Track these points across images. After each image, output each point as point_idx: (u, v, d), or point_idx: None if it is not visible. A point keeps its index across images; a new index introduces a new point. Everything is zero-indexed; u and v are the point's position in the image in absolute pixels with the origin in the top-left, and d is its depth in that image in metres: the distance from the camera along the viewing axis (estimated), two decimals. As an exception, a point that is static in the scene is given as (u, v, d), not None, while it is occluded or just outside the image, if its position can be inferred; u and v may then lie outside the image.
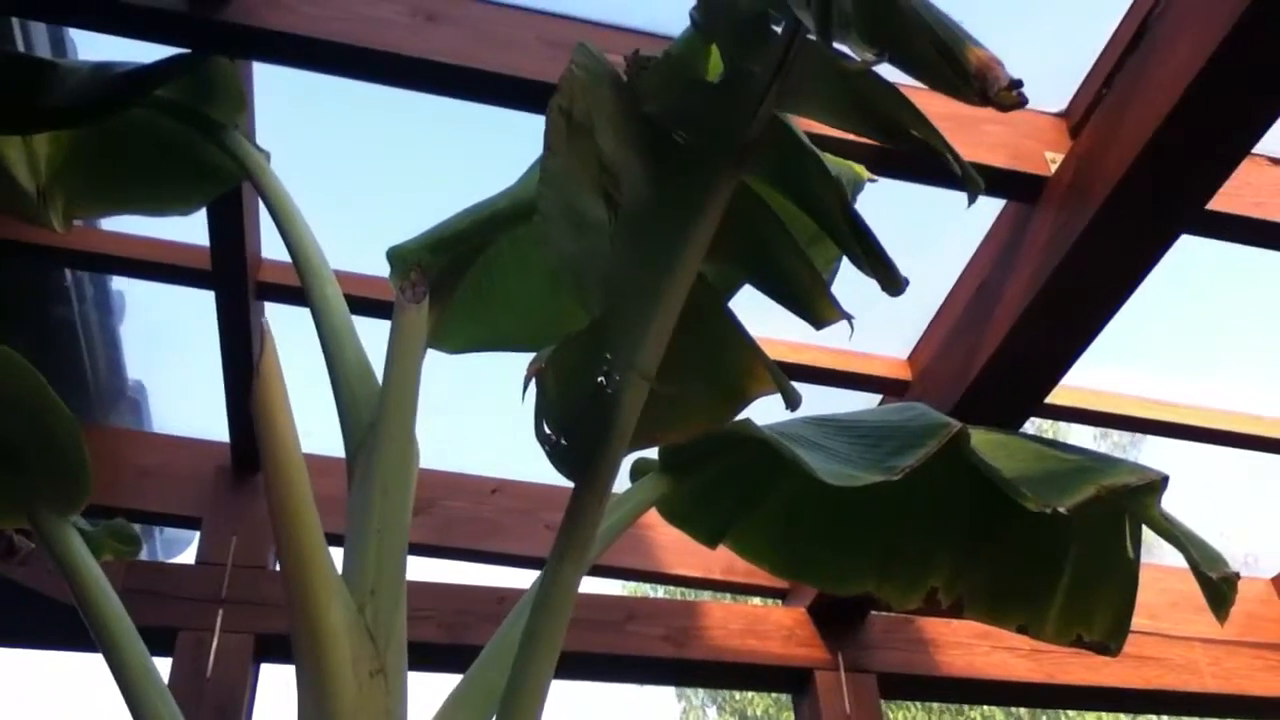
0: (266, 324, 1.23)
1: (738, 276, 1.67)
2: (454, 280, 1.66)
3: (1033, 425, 7.81)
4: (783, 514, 2.03)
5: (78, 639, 2.70)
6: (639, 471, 1.69)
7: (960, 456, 1.47)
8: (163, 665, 2.65)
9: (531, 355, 1.16)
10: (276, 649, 2.61)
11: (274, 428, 1.15)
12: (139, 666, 1.42)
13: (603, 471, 1.22)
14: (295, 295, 2.41)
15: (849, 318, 1.40)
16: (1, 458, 1.51)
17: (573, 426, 1.20)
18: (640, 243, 1.22)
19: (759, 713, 9.97)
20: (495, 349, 1.91)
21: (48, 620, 2.54)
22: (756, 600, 3.27)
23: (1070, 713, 9.06)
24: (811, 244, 1.63)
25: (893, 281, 1.35)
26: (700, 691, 10.78)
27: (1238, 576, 1.48)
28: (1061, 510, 1.38)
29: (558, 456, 1.21)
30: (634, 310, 1.20)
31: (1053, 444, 1.75)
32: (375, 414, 1.37)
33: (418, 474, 1.49)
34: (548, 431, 1.20)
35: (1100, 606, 1.86)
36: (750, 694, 10.03)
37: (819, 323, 1.43)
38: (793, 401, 1.37)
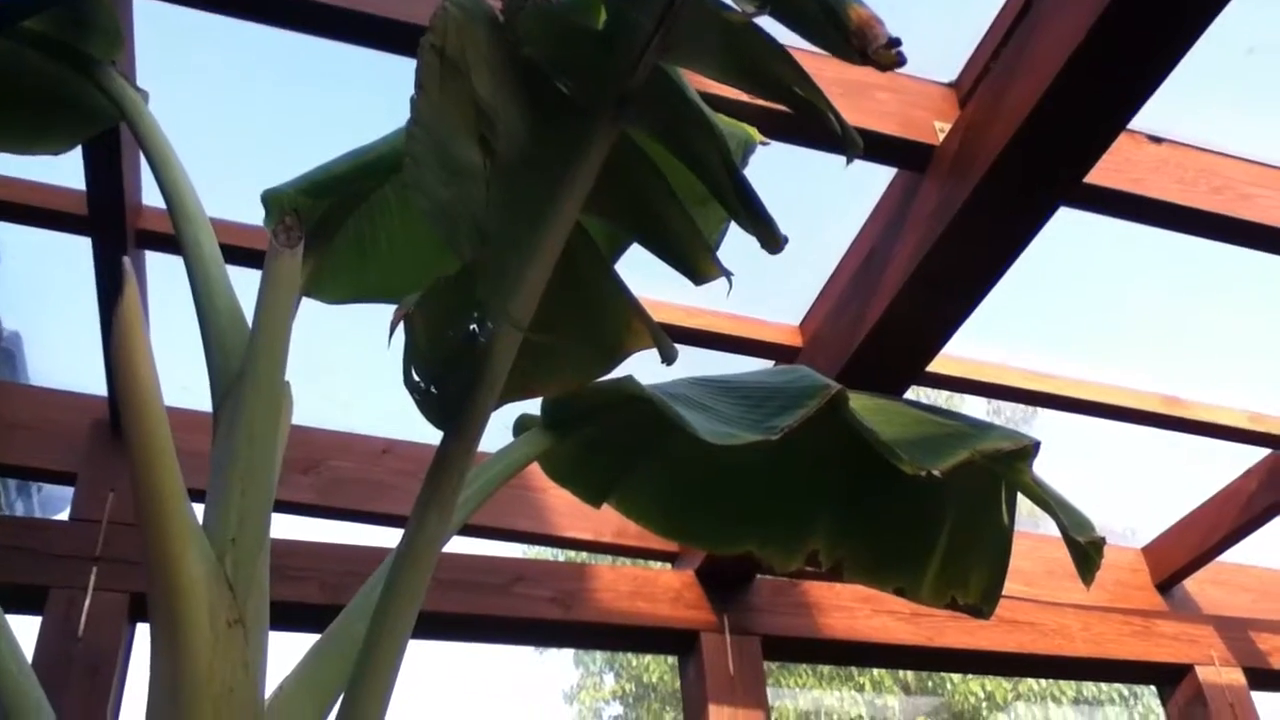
0: (127, 264, 1.18)
1: (623, 233, 1.67)
2: (332, 227, 1.63)
3: (929, 397, 7.99)
4: (666, 474, 2.04)
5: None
6: (522, 427, 1.68)
7: (839, 419, 1.49)
8: (32, 624, 2.57)
9: (415, 308, 1.14)
10: (152, 608, 2.55)
11: (133, 371, 1.11)
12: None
13: (472, 422, 1.20)
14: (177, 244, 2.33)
15: (728, 274, 1.41)
16: None
17: (442, 375, 1.19)
18: (516, 190, 1.20)
19: (655, 679, 10.08)
20: (378, 300, 1.88)
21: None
22: (649, 564, 3.30)
23: (954, 676, 9.35)
24: (702, 204, 1.63)
25: (772, 239, 1.35)
26: (598, 658, 10.85)
27: (1104, 542, 1.52)
28: (935, 473, 1.41)
29: (426, 405, 1.20)
30: (508, 258, 1.19)
31: (932, 409, 1.78)
32: (243, 362, 1.33)
33: (290, 428, 1.46)
34: (416, 379, 1.18)
35: (975, 571, 1.90)
36: (646, 660, 10.13)
37: (699, 278, 1.42)
38: (669, 357, 1.37)
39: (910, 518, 1.99)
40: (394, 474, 2.92)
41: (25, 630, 2.58)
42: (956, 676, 9.49)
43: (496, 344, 1.19)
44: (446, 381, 1.19)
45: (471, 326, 1.19)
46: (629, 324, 1.44)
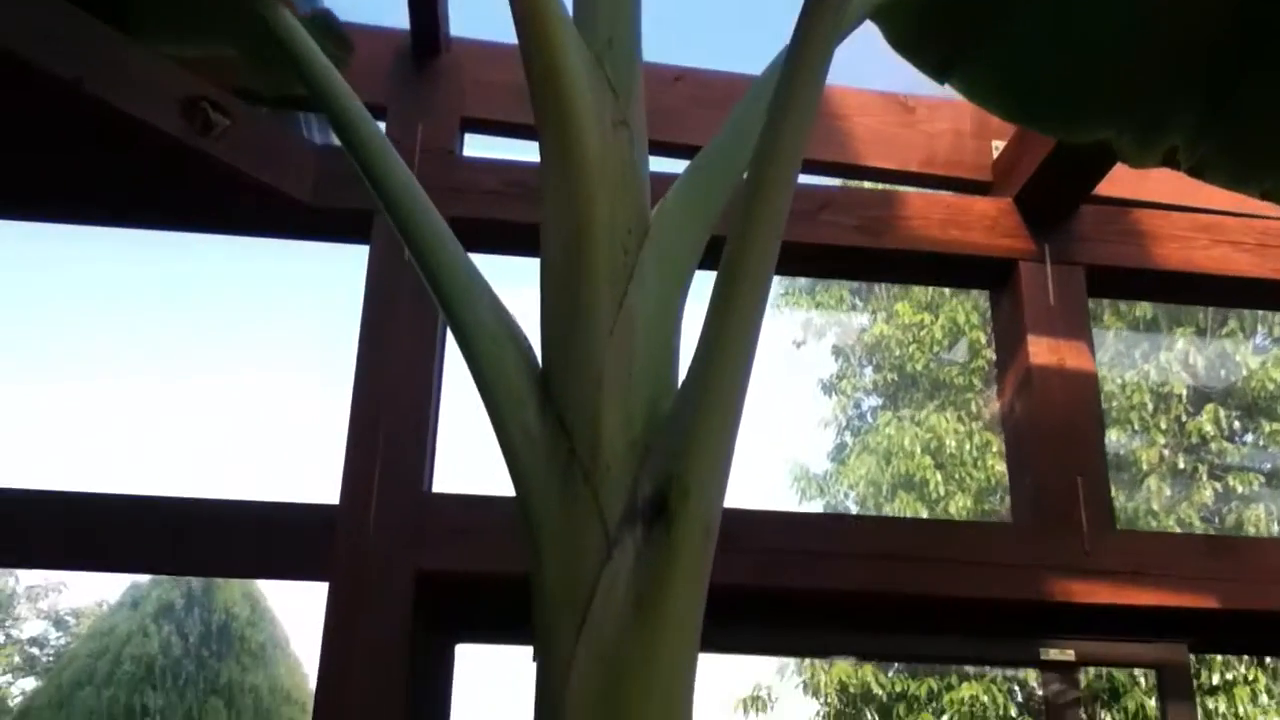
0: None
1: None
2: None
3: None
4: (1018, 47, 1.84)
5: (278, 223, 2.78)
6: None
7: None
8: (358, 252, 2.68)
9: None
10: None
11: None
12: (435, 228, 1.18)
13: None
14: None
15: None
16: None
17: None
18: None
19: (918, 368, 10.04)
20: None
21: (243, 203, 2.58)
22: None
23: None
24: None
25: None
26: (857, 350, 10.86)
27: None
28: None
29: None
30: None
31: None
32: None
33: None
34: None
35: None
36: (910, 348, 10.06)
37: None
38: None
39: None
40: (688, 101, 2.81)
41: (355, 259, 2.70)
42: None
43: None
44: None
45: None
46: None
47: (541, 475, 1.00)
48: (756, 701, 9.64)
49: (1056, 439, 2.61)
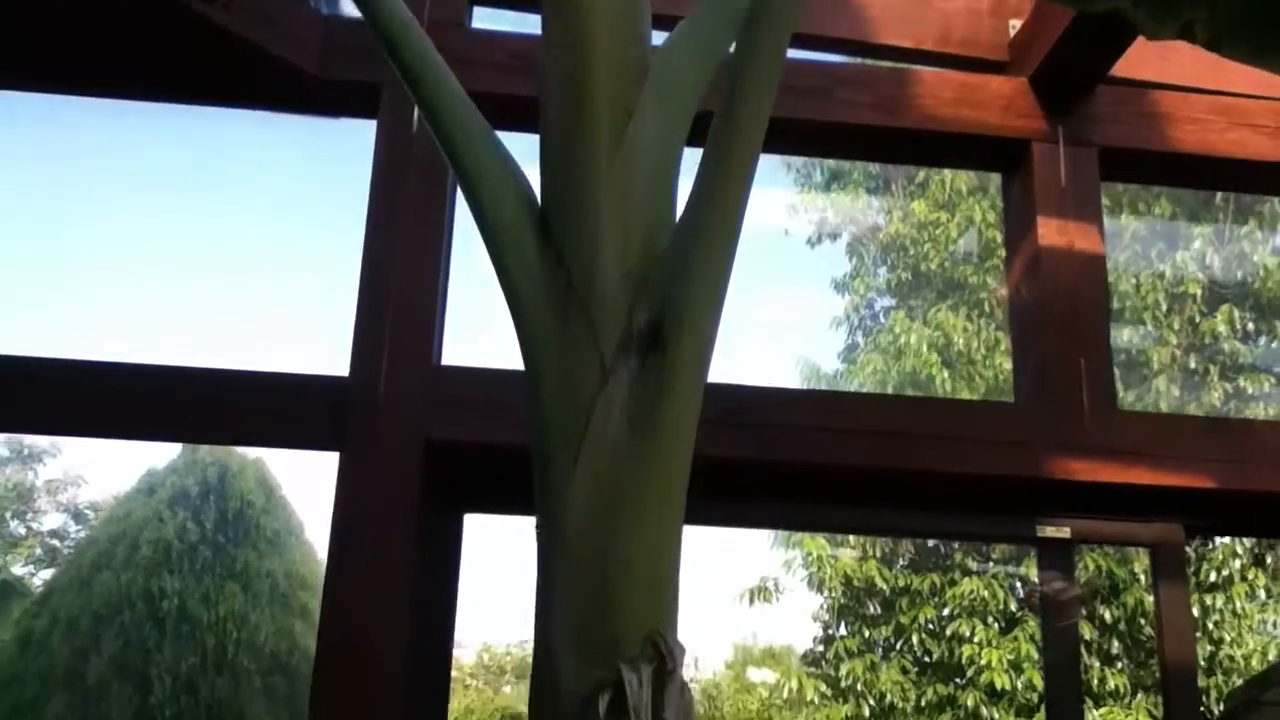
0: None
1: None
2: None
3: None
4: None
5: (284, 97, 2.76)
6: None
7: None
8: (364, 126, 2.66)
9: None
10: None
11: None
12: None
13: None
14: None
15: None
16: None
17: None
18: None
19: (933, 267, 9.98)
20: None
21: (247, 74, 2.56)
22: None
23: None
24: None
25: None
26: (871, 248, 10.79)
27: None
28: None
29: None
30: None
31: None
32: None
33: None
34: None
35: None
36: (925, 247, 10.00)
37: None
38: None
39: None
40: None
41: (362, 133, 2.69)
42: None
43: None
44: None
45: None
46: None
47: (539, 307, 1.01)
48: (762, 593, 9.82)
49: (1062, 320, 2.61)
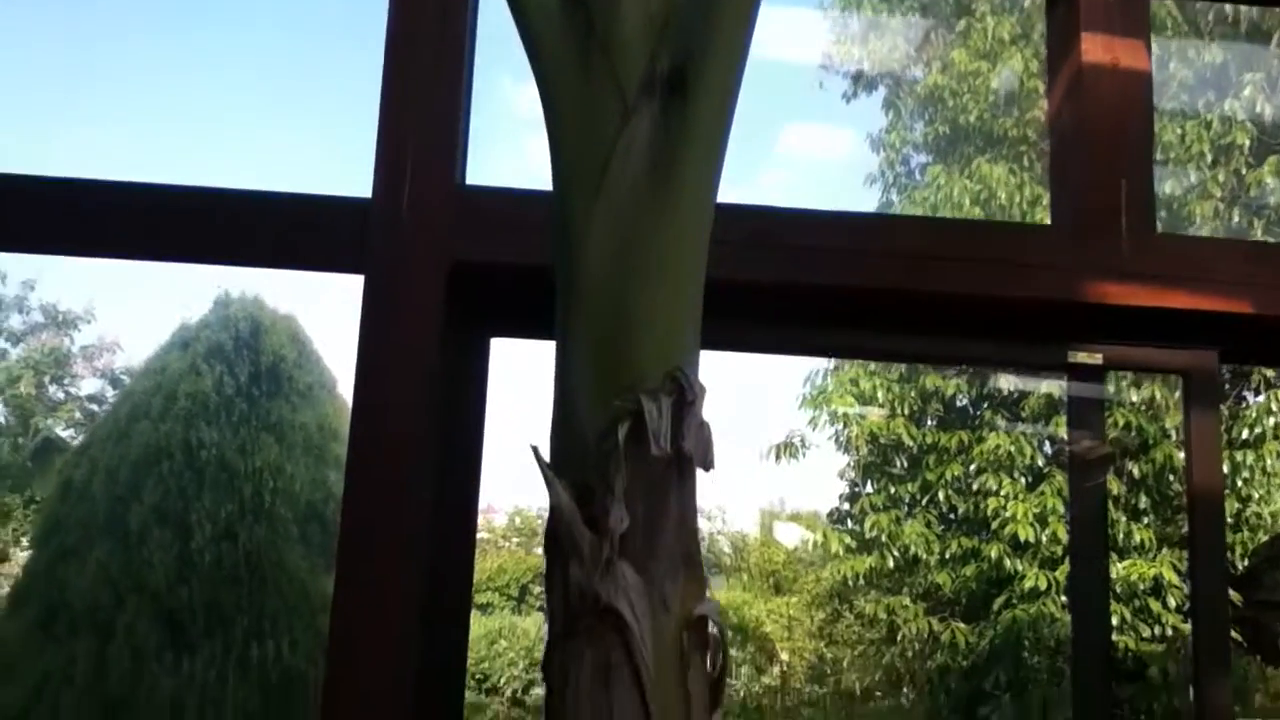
0: None
1: None
2: None
3: None
4: None
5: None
6: None
7: None
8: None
9: None
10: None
11: None
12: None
13: None
14: None
15: None
16: None
17: None
18: None
19: (972, 120, 9.73)
20: None
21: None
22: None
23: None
24: None
25: None
26: (909, 100, 10.53)
27: None
28: None
29: None
30: None
31: None
32: None
33: None
34: None
35: None
36: (964, 98, 9.74)
37: None
38: None
39: None
40: None
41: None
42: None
43: None
44: None
45: None
46: None
47: (560, 52, 0.97)
48: (788, 448, 9.88)
49: (1103, 140, 2.53)
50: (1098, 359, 2.56)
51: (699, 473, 0.90)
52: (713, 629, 0.91)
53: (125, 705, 6.68)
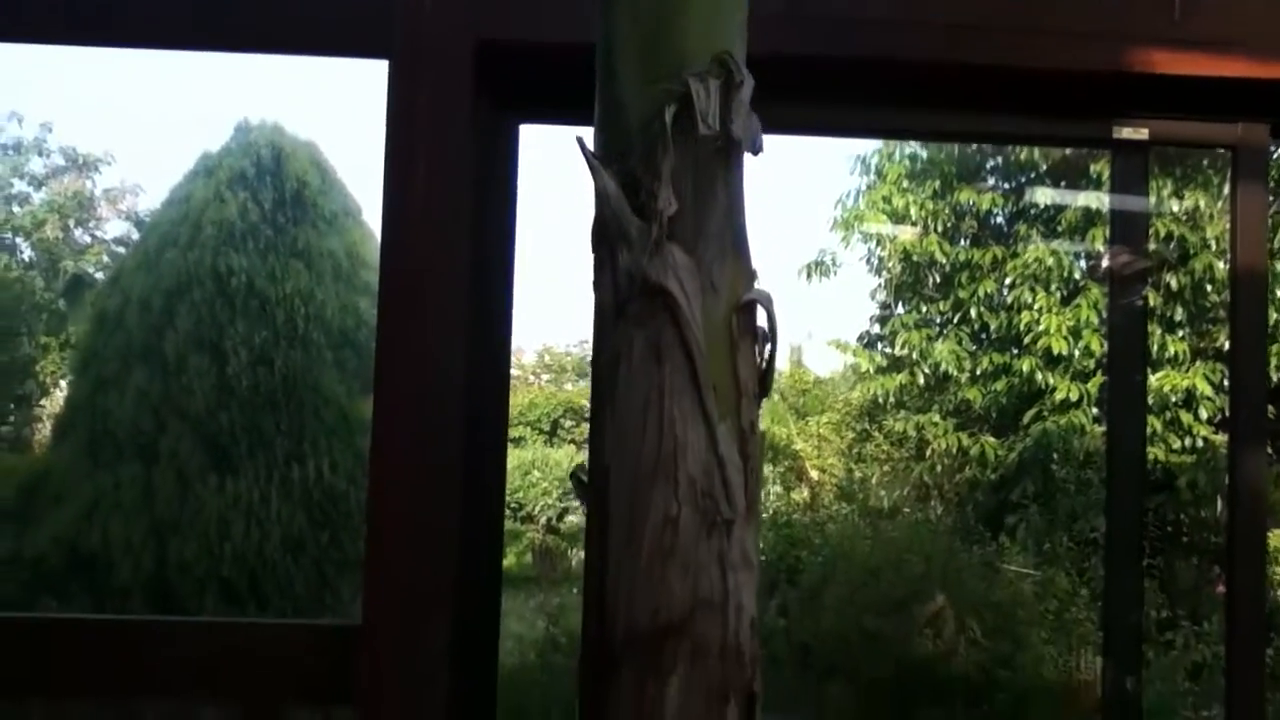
0: None
1: None
2: None
3: None
4: None
5: None
6: None
7: None
8: None
9: None
10: None
11: None
12: None
13: None
14: None
15: None
16: None
17: None
18: None
19: None
20: None
21: None
22: None
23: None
24: None
25: None
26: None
27: None
28: None
29: None
30: None
31: None
32: None
33: None
34: None
35: None
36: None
37: None
38: None
39: None
40: None
41: None
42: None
43: None
44: None
45: None
46: None
47: None
48: (820, 267, 9.82)
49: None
50: (1143, 134, 2.48)
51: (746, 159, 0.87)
52: (761, 321, 0.89)
53: (173, 526, 6.91)
